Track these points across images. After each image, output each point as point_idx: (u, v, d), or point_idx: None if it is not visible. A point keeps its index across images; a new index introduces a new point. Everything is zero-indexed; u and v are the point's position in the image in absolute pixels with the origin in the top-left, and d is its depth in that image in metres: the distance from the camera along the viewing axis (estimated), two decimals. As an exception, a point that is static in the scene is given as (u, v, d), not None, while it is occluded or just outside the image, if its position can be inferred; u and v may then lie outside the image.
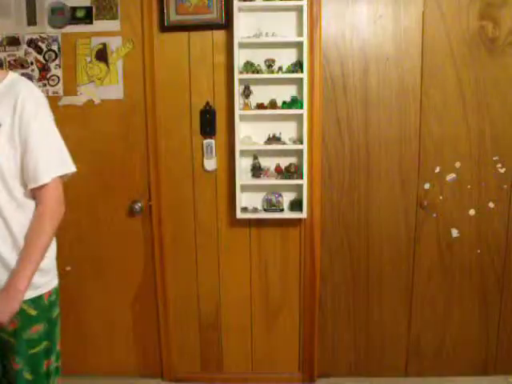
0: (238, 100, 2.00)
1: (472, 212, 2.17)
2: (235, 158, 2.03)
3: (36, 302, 1.27)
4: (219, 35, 2.04)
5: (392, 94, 2.09)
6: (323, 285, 2.25)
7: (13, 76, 1.27)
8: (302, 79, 1.97)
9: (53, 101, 2.11)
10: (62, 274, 2.21)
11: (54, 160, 1.28)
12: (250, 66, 2.01)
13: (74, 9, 2.07)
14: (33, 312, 1.26)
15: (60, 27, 2.08)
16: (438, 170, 2.14)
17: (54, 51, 2.10)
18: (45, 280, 1.30)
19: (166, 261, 2.22)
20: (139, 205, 2.15)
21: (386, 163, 2.15)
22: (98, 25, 2.07)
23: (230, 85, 2.03)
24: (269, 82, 2.05)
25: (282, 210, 2.11)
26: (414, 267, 2.22)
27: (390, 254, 2.22)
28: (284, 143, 2.08)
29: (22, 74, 2.11)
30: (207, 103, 2.10)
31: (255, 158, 2.10)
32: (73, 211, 2.20)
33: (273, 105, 2.03)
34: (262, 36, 2.00)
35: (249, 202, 2.15)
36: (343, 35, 2.06)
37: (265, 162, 2.11)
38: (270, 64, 2.01)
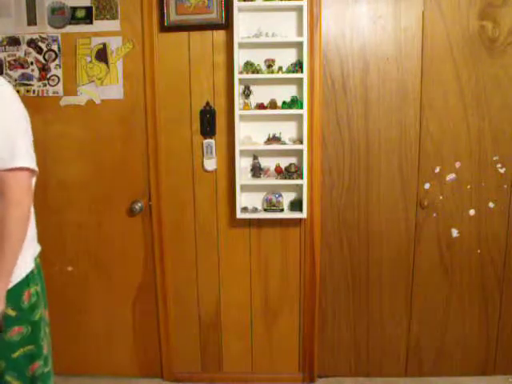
0: (238, 100, 2.00)
1: (472, 212, 2.17)
2: (235, 158, 2.03)
3: (15, 302, 1.23)
4: (219, 35, 2.04)
5: (392, 94, 2.09)
6: (323, 285, 2.25)
7: None
8: (302, 79, 1.97)
9: (53, 101, 2.12)
10: (63, 274, 2.24)
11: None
12: (249, 66, 2.01)
13: (74, 9, 2.07)
14: (11, 313, 1.22)
15: (60, 27, 2.08)
16: (437, 169, 2.14)
17: (54, 51, 2.10)
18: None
19: (165, 261, 2.22)
20: (139, 205, 2.15)
21: (386, 163, 2.15)
22: (98, 25, 2.07)
23: (230, 85, 2.03)
24: (269, 82, 2.05)
25: (282, 210, 2.11)
26: (414, 267, 2.22)
27: (390, 254, 2.22)
28: (284, 143, 2.08)
29: (22, 74, 2.12)
30: (207, 103, 2.10)
31: (255, 158, 2.10)
32: (73, 211, 2.21)
33: (273, 105, 2.03)
34: (262, 36, 2.00)
35: (249, 201, 2.15)
36: (343, 35, 2.07)
37: (265, 162, 2.11)
38: (269, 64, 2.01)
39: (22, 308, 1.25)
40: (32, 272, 1.30)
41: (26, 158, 1.21)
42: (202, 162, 2.14)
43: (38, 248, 1.38)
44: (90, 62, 2.09)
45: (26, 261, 1.26)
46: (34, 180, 1.29)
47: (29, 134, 1.28)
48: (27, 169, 1.21)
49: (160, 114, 2.11)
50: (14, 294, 1.22)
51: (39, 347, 1.30)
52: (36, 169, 1.25)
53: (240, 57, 2.02)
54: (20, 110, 1.26)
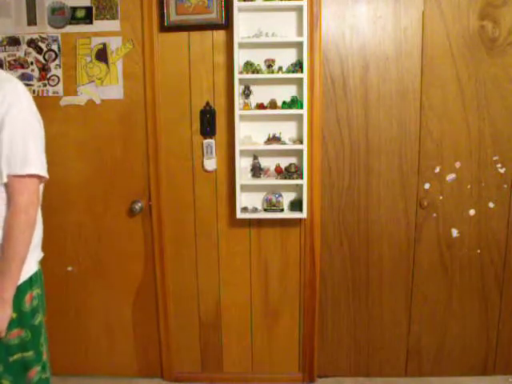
0: (238, 100, 2.00)
1: (472, 212, 2.17)
2: (235, 158, 2.03)
3: (16, 304, 1.21)
4: (219, 35, 2.04)
5: (392, 94, 2.09)
6: (323, 285, 2.25)
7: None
8: (302, 79, 1.97)
9: (53, 101, 2.12)
10: (63, 274, 2.24)
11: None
12: (249, 66, 2.01)
13: (74, 9, 2.07)
14: (12, 315, 1.21)
15: (60, 27, 2.08)
16: (437, 169, 2.14)
17: (54, 51, 2.10)
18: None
19: (165, 261, 2.22)
20: (139, 205, 2.15)
21: (386, 163, 2.15)
22: (98, 25, 2.07)
23: (230, 85, 2.03)
24: (269, 82, 2.05)
25: (282, 210, 2.11)
26: (414, 267, 2.22)
27: (390, 254, 2.22)
28: (284, 143, 2.08)
29: (22, 74, 2.12)
30: (207, 103, 2.10)
31: (255, 158, 2.10)
32: (73, 211, 2.21)
33: (273, 105, 2.03)
34: (262, 36, 2.00)
35: (249, 201, 2.15)
36: (343, 35, 2.07)
37: (265, 162, 2.11)
38: (269, 64, 2.01)
39: (23, 310, 1.24)
40: (36, 274, 1.29)
41: (37, 164, 1.20)
42: (202, 162, 2.14)
43: (40, 254, 1.37)
44: (90, 61, 2.09)
45: (30, 263, 1.26)
46: (42, 185, 1.28)
47: (41, 137, 1.27)
48: (37, 176, 1.21)
49: (160, 113, 2.11)
50: (16, 296, 1.21)
51: (39, 353, 1.28)
52: (46, 176, 1.24)
53: (240, 57, 2.02)
54: (33, 112, 1.25)
